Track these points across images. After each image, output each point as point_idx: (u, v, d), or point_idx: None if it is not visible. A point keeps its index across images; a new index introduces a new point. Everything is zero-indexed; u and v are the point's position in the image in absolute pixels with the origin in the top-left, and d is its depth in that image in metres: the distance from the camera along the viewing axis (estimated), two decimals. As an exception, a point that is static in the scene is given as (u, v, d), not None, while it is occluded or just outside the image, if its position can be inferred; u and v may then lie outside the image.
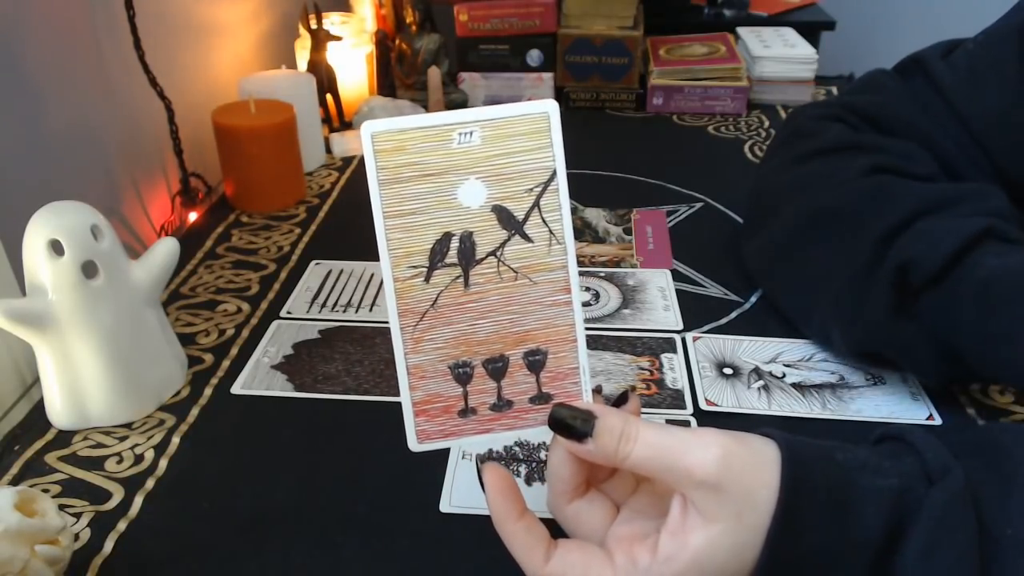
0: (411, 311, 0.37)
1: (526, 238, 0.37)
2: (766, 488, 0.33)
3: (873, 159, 0.56)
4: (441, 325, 0.38)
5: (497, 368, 0.38)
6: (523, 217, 0.37)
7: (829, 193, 0.56)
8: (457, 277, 0.37)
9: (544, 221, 0.37)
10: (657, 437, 0.35)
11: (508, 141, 0.36)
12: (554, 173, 0.37)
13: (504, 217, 0.37)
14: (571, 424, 0.36)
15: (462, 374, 0.38)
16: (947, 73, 0.59)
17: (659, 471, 0.35)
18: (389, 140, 0.36)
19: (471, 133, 0.36)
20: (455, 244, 0.37)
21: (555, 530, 0.38)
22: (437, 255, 0.37)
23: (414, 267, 0.37)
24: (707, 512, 0.34)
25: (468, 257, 0.37)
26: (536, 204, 0.37)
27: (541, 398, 0.38)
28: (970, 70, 0.58)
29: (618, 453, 0.35)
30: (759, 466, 0.34)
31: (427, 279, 0.37)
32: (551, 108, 0.36)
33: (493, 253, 0.37)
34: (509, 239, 0.37)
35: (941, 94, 0.59)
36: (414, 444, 0.39)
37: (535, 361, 0.38)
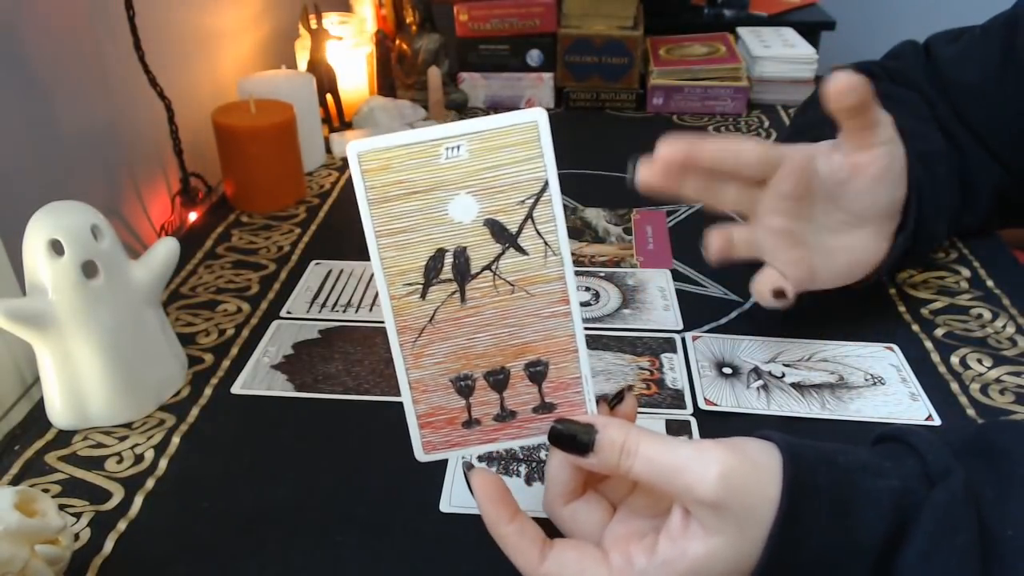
0: (409, 328, 0.37)
1: (521, 251, 0.36)
2: (768, 501, 0.33)
3: None
4: (440, 340, 0.37)
5: (498, 380, 0.38)
6: (516, 230, 0.36)
7: None
8: (453, 293, 0.37)
9: (538, 233, 0.36)
10: (657, 453, 0.35)
11: (497, 153, 0.35)
12: (546, 184, 0.36)
13: (497, 231, 0.36)
14: (572, 439, 0.36)
15: (464, 387, 0.38)
16: (946, 53, 0.66)
17: (659, 485, 0.35)
18: (375, 159, 0.35)
19: (458, 147, 0.35)
20: (449, 260, 0.36)
21: (552, 531, 0.39)
22: (432, 272, 0.36)
23: (409, 284, 0.37)
24: (708, 526, 0.34)
25: (463, 272, 0.37)
26: (529, 216, 0.36)
27: (544, 407, 0.38)
28: (962, 52, 0.65)
29: (620, 467, 0.35)
30: (760, 480, 0.34)
31: (423, 296, 0.37)
32: (540, 117, 0.35)
33: (488, 267, 0.37)
34: (503, 252, 0.36)
35: (938, 69, 0.66)
36: (420, 455, 0.39)
37: (536, 372, 0.38)
